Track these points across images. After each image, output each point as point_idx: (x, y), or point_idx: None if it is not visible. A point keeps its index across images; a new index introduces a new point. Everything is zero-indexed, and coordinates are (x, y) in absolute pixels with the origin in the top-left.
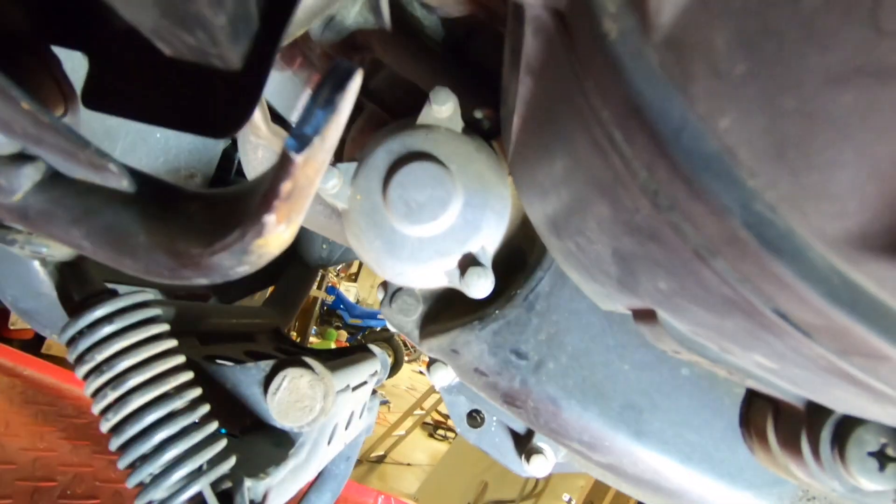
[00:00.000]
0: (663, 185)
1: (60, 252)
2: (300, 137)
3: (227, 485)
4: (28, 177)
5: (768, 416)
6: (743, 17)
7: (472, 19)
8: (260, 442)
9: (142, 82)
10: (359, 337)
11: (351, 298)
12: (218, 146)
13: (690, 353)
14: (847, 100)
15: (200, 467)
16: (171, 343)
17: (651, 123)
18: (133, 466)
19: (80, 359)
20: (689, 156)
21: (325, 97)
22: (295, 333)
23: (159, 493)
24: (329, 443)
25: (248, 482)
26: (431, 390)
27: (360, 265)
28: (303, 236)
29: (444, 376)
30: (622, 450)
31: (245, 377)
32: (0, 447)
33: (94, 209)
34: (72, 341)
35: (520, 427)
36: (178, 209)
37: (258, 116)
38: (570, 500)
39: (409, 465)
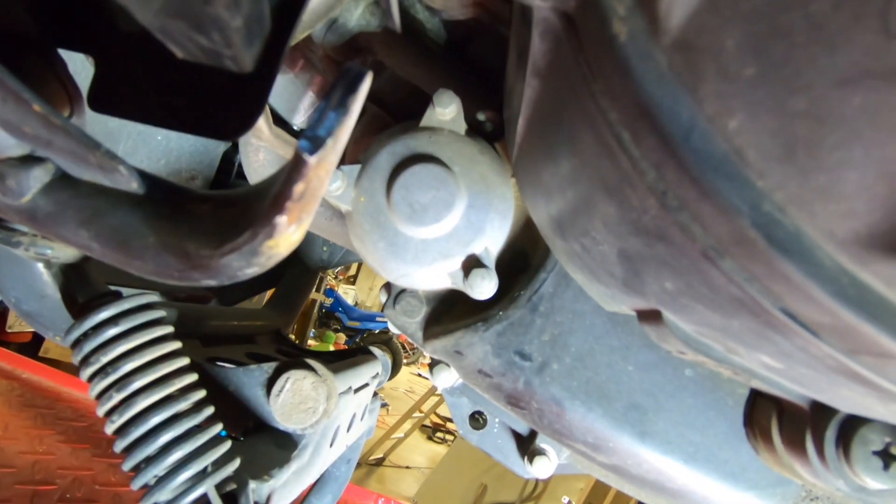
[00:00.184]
0: (672, 186)
1: (65, 254)
2: (313, 139)
3: (232, 486)
4: (37, 178)
5: (773, 416)
6: (752, 19)
7: (474, 21)
8: (263, 444)
9: (148, 84)
10: (357, 339)
11: (349, 301)
12: (219, 148)
13: (695, 353)
14: (856, 102)
15: (205, 469)
16: (176, 345)
17: (660, 124)
18: (138, 468)
19: (85, 361)
20: (699, 156)
21: (337, 99)
22: (293, 336)
23: (164, 494)
24: (331, 445)
25: (252, 484)
26: (430, 393)
27: (359, 268)
28: (304, 238)
29: (447, 378)
30: (626, 451)
31: (248, 379)
32: None
33: (102, 211)
34: (77, 343)
35: (522, 428)
36: (188, 211)
37: (261, 119)
38: (569, 502)
39: (408, 467)
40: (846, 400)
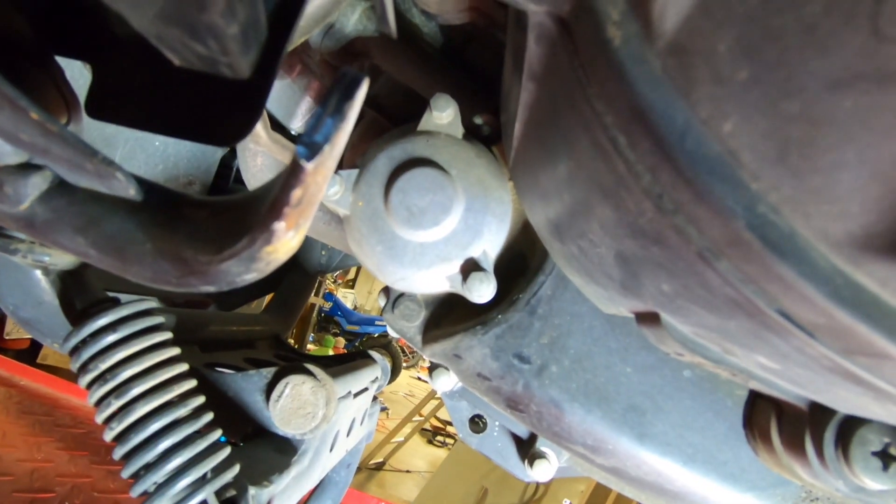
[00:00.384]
0: (667, 189)
1: (62, 261)
2: (311, 145)
3: (232, 493)
4: (35, 186)
5: (772, 418)
6: (745, 23)
7: (470, 26)
8: (262, 449)
9: (145, 91)
10: (356, 343)
11: (348, 305)
12: (216, 154)
13: (693, 354)
14: (848, 104)
15: (205, 475)
16: (174, 351)
17: (655, 127)
18: (137, 475)
19: (84, 367)
20: (693, 159)
21: (334, 105)
22: (292, 340)
23: (164, 501)
24: (331, 450)
25: (252, 490)
26: (430, 396)
27: (358, 272)
28: (302, 243)
29: (447, 381)
30: (625, 452)
31: (247, 385)
32: None
33: (100, 217)
34: (75, 350)
35: (522, 431)
36: (185, 217)
37: (259, 124)
38: None
39: (408, 471)
40: (843, 400)
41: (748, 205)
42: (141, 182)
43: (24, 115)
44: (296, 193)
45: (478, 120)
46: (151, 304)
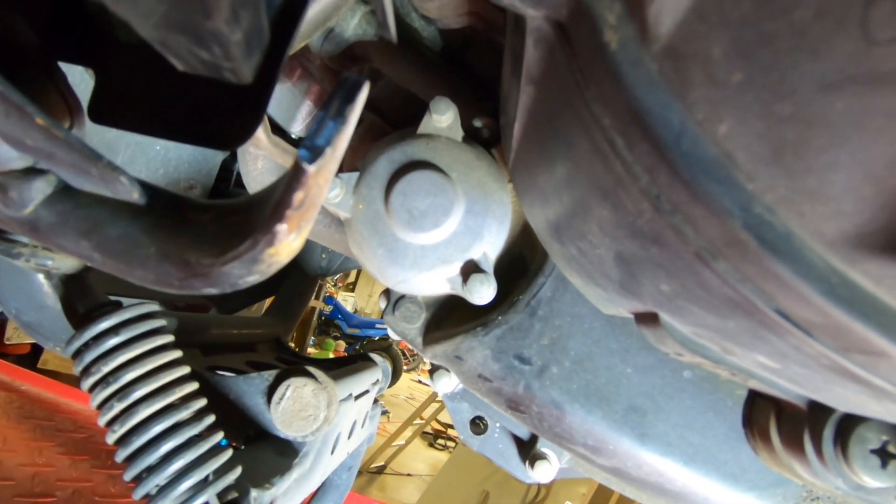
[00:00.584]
0: (664, 190)
1: (65, 264)
2: (313, 148)
3: (234, 495)
4: (39, 190)
5: (771, 417)
6: (739, 27)
7: (469, 30)
8: (264, 452)
9: (147, 95)
10: (357, 347)
11: (349, 308)
12: (216, 157)
13: (693, 354)
14: (840, 106)
15: (207, 478)
16: (176, 354)
17: (651, 129)
18: (139, 478)
19: (86, 371)
20: (689, 160)
21: (335, 109)
22: (293, 344)
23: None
24: (332, 452)
25: (253, 493)
26: (431, 399)
27: (358, 275)
28: (303, 246)
29: (447, 383)
30: (626, 453)
31: (248, 387)
32: None
33: (104, 221)
34: (77, 353)
35: (523, 433)
36: (188, 220)
37: (259, 128)
38: None
39: (409, 475)
40: (842, 398)
41: (744, 205)
42: (144, 186)
43: (30, 120)
44: (298, 196)
45: (477, 123)
46: (153, 307)
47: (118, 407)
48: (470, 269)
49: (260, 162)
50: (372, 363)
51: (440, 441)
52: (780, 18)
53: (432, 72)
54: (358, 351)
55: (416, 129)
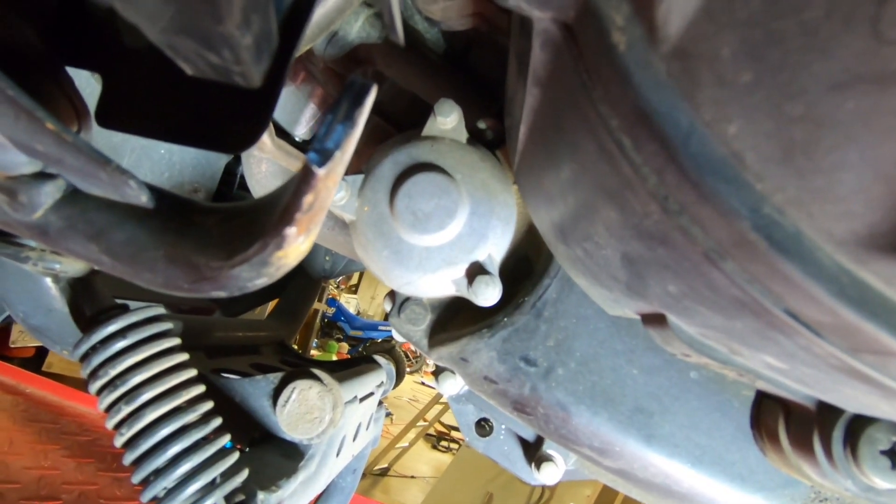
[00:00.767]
0: (673, 190)
1: (73, 268)
2: (322, 152)
3: (241, 498)
4: (48, 194)
5: (779, 418)
6: (748, 27)
7: (473, 31)
8: (270, 454)
9: (154, 99)
10: (360, 349)
11: (352, 310)
12: (220, 161)
13: (700, 355)
14: (850, 105)
15: (214, 480)
16: (183, 357)
17: (660, 130)
18: (147, 481)
19: (94, 374)
20: (698, 161)
21: (343, 112)
22: (296, 346)
23: None
24: (337, 454)
25: (260, 495)
26: (434, 401)
27: (361, 277)
28: None
29: (453, 385)
30: (633, 454)
31: (254, 390)
32: (4, 466)
33: (112, 225)
34: (85, 357)
35: (529, 435)
36: (197, 223)
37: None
38: None
39: (412, 477)
40: (851, 399)
41: (753, 206)
42: (152, 189)
43: (40, 125)
44: (307, 199)
45: (481, 124)
46: (160, 310)
47: (126, 410)
48: (475, 271)
49: (264, 165)
50: (376, 365)
51: (443, 443)
52: (789, 18)
53: (436, 74)
54: (361, 353)
55: (420, 132)
